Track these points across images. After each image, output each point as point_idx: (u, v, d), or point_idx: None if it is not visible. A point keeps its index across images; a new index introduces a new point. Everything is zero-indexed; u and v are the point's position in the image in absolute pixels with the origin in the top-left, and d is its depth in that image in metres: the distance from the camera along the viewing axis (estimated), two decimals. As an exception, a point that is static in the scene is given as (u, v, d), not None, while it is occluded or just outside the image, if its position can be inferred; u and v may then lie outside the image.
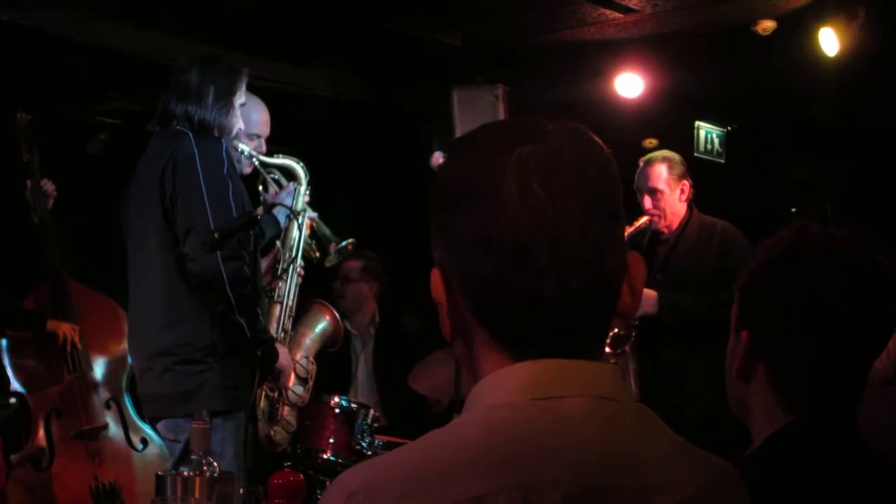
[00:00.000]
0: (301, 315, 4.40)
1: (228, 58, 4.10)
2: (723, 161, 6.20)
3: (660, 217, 4.72)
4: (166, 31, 5.16)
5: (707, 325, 4.21)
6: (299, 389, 4.25)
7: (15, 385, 4.35)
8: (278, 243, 4.17)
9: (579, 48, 5.65)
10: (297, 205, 4.12)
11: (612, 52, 5.67)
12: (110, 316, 4.58)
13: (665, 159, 4.75)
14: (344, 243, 4.35)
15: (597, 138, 1.18)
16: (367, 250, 5.66)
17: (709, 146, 6.15)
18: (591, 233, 1.11)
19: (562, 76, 5.83)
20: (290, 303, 4.17)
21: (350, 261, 5.54)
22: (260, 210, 3.57)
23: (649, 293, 4.48)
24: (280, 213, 4.06)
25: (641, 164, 4.77)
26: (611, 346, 4.44)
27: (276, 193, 4.16)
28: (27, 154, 4.38)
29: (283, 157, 4.15)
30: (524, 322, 1.12)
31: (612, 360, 4.34)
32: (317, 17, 5.20)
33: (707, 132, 6.15)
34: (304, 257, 4.23)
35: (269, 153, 4.13)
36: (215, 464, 2.33)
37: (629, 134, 5.70)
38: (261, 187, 4.22)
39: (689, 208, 4.77)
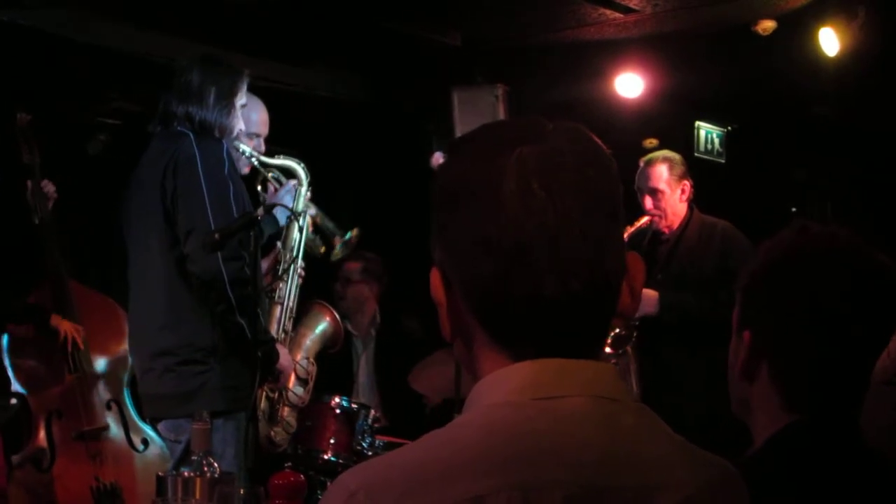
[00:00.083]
0: (301, 316, 4.40)
1: (229, 58, 4.10)
2: (723, 161, 6.20)
3: (660, 217, 4.72)
4: (166, 31, 5.16)
5: (708, 325, 4.22)
6: (300, 390, 4.25)
7: (15, 386, 4.34)
8: (279, 244, 4.17)
9: (579, 48, 5.65)
10: (297, 206, 4.12)
11: (613, 53, 5.67)
12: (111, 316, 4.58)
13: (666, 159, 4.75)
14: (348, 235, 4.36)
15: (596, 138, 1.18)
16: (366, 251, 5.66)
17: (709, 146, 6.15)
18: (591, 233, 1.11)
19: (562, 76, 5.83)
20: (290, 304, 4.17)
21: (350, 262, 5.54)
22: (260, 211, 3.57)
23: (650, 293, 4.48)
24: (279, 213, 4.06)
25: (642, 164, 4.77)
26: (612, 347, 4.44)
27: (275, 192, 4.15)
28: (27, 154, 4.37)
29: (283, 158, 4.15)
30: (524, 322, 1.12)
31: (613, 361, 4.34)
32: (317, 18, 5.20)
33: (707, 132, 6.15)
34: (309, 253, 4.23)
35: (270, 154, 4.13)
36: (216, 464, 2.34)
37: (629, 134, 5.70)
38: (259, 187, 4.22)
39: (690, 208, 4.77)
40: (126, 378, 4.55)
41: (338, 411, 4.35)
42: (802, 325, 1.60)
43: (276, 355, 3.83)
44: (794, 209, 6.22)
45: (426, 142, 5.98)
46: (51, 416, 4.34)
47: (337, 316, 4.66)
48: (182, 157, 3.65)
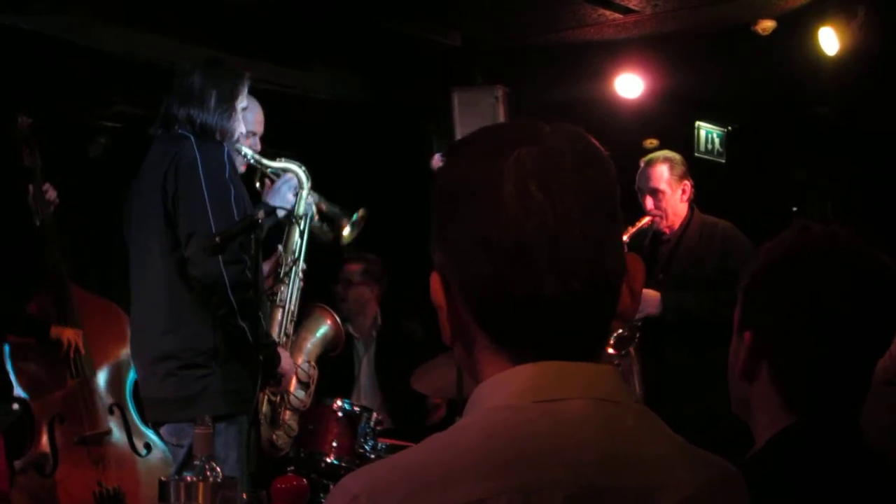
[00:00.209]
0: (302, 319, 4.40)
1: (229, 61, 4.10)
2: (723, 161, 6.20)
3: (661, 217, 4.72)
4: (167, 34, 5.16)
5: (709, 325, 4.22)
6: (301, 394, 4.25)
7: (18, 391, 4.34)
8: (280, 247, 4.17)
9: (579, 49, 5.65)
10: (298, 209, 4.12)
11: (612, 53, 5.67)
12: (113, 320, 4.58)
13: (666, 160, 4.75)
14: (355, 216, 4.35)
15: (594, 140, 1.18)
16: (367, 253, 5.66)
17: (709, 146, 6.15)
18: (590, 233, 1.11)
19: (562, 77, 5.83)
20: (292, 307, 4.17)
21: (351, 264, 5.55)
22: (261, 213, 3.57)
23: (652, 294, 4.48)
24: (274, 199, 4.07)
25: (642, 164, 4.77)
26: (615, 348, 4.44)
27: (271, 185, 4.14)
28: (29, 158, 4.37)
29: (284, 161, 4.15)
30: (524, 323, 1.12)
31: (616, 362, 4.34)
32: (317, 19, 5.21)
33: (707, 132, 6.15)
34: (319, 241, 4.23)
35: (271, 156, 4.13)
36: (218, 469, 2.34)
37: (629, 134, 5.70)
38: (258, 184, 4.21)
39: (691, 208, 4.77)
40: (129, 382, 4.55)
41: (340, 414, 4.35)
42: (803, 326, 1.60)
43: (277, 359, 3.83)
44: (794, 209, 6.22)
45: (426, 143, 5.98)
46: (53, 420, 4.34)
47: (338, 319, 4.66)
48: (183, 161, 3.65)
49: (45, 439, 4.31)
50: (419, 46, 5.59)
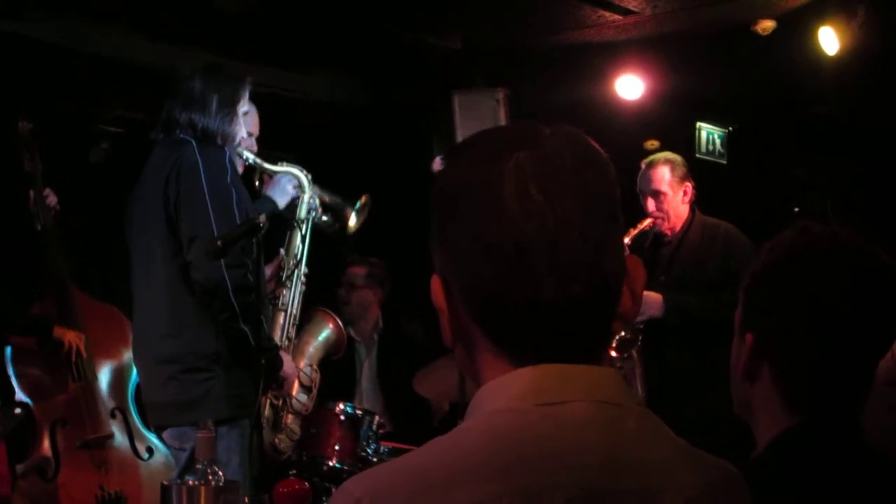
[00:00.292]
0: (304, 323, 4.40)
1: (229, 65, 4.11)
2: (724, 162, 6.19)
3: (663, 219, 4.72)
4: (167, 39, 5.16)
5: (711, 326, 4.21)
6: (303, 397, 4.25)
7: (20, 395, 4.34)
8: (282, 251, 4.18)
9: (579, 50, 5.65)
10: (300, 213, 4.13)
11: (613, 54, 5.67)
12: (114, 324, 4.58)
13: (667, 161, 4.75)
14: (358, 204, 4.35)
15: (593, 142, 1.18)
16: (370, 256, 5.67)
17: (710, 147, 6.15)
18: (590, 235, 1.11)
19: (562, 79, 5.83)
20: (294, 311, 4.17)
21: (355, 267, 5.55)
22: (262, 217, 3.57)
23: (654, 296, 4.48)
24: (274, 192, 4.07)
25: (643, 166, 4.77)
26: (617, 350, 4.44)
27: (269, 181, 4.14)
28: (30, 163, 4.38)
29: (286, 165, 4.15)
30: (525, 326, 1.12)
31: (618, 364, 4.34)
32: (317, 23, 5.21)
33: (708, 133, 6.15)
34: (325, 233, 4.22)
35: (272, 159, 4.13)
36: (220, 473, 2.33)
37: (630, 136, 5.70)
38: (257, 182, 4.21)
39: (692, 210, 4.77)
40: (131, 386, 4.56)
41: (342, 418, 4.35)
42: (804, 326, 1.60)
43: (279, 362, 3.83)
44: (796, 209, 6.21)
45: (427, 146, 5.98)
46: (55, 424, 4.34)
47: (340, 323, 4.67)
48: (185, 165, 3.65)
49: (46, 443, 4.30)
50: (419, 49, 5.59)
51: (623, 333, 4.40)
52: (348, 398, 5.20)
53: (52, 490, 4.27)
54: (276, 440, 4.13)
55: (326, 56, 5.77)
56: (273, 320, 4.07)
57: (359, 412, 4.42)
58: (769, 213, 5.57)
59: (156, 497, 2.44)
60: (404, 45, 5.51)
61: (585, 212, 1.11)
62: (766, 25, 5.09)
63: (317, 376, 4.36)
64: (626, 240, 4.48)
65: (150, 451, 4.51)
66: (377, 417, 4.45)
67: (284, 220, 4.18)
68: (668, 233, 4.76)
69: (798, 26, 5.07)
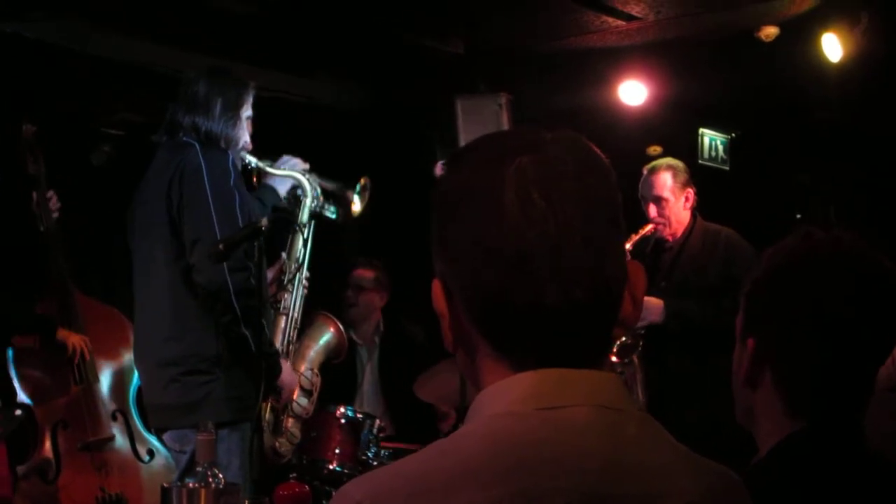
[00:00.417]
0: (305, 327, 4.40)
1: (233, 68, 4.11)
2: (727, 168, 6.19)
3: (664, 225, 4.72)
4: (170, 42, 5.17)
5: (712, 332, 4.21)
6: (304, 401, 4.25)
7: (21, 397, 4.35)
8: (284, 255, 4.18)
9: (582, 56, 5.65)
10: (302, 217, 4.13)
11: (616, 60, 5.67)
12: (116, 326, 4.59)
13: (669, 167, 4.75)
14: (358, 187, 4.35)
15: (595, 147, 1.18)
16: (376, 259, 5.67)
17: (713, 153, 6.14)
18: (592, 240, 1.11)
19: (565, 84, 5.83)
20: (295, 314, 4.17)
21: (363, 270, 5.55)
22: (264, 220, 3.57)
23: (656, 302, 4.48)
24: (276, 182, 4.07)
25: (645, 172, 4.77)
26: (618, 356, 4.43)
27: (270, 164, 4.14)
28: (33, 166, 4.39)
29: (288, 169, 4.15)
30: (526, 331, 1.12)
31: (619, 370, 4.34)
32: (321, 27, 5.21)
33: (711, 139, 6.15)
34: (326, 220, 4.22)
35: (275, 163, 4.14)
36: (221, 475, 2.33)
37: (633, 141, 5.70)
38: (255, 179, 4.20)
39: (693, 216, 4.77)
40: (132, 388, 4.56)
41: (343, 421, 4.35)
42: (806, 331, 1.60)
43: (278, 369, 3.82)
44: (798, 215, 6.21)
45: (429, 150, 5.98)
46: (56, 426, 4.35)
47: (341, 327, 4.66)
48: (188, 168, 3.65)
49: (48, 445, 4.31)
50: (422, 54, 5.59)
51: (624, 339, 4.40)
52: (349, 401, 5.20)
53: (52, 492, 4.27)
54: (277, 444, 4.13)
55: (329, 60, 5.77)
56: (274, 324, 4.07)
57: (359, 416, 4.42)
58: (772, 219, 5.57)
59: (156, 499, 2.44)
60: (407, 50, 5.51)
61: (587, 217, 1.11)
62: (770, 32, 5.08)
63: (317, 380, 4.36)
64: (628, 245, 4.48)
65: (150, 453, 4.51)
66: (378, 421, 4.46)
67: (287, 223, 4.18)
68: (670, 238, 4.76)
69: (801, 33, 5.07)
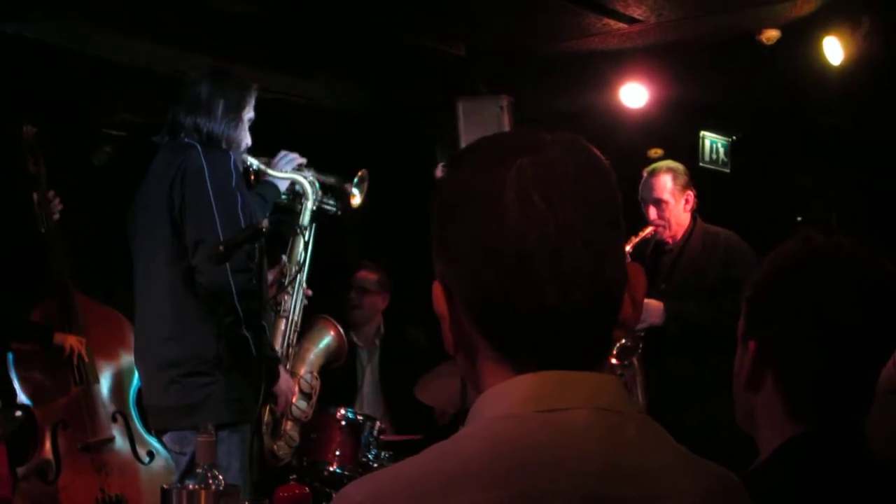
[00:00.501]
0: (305, 330, 4.40)
1: (233, 69, 4.11)
2: (728, 170, 6.19)
3: (664, 227, 4.72)
4: (171, 42, 5.17)
5: (712, 334, 4.22)
6: (303, 404, 4.25)
7: (21, 398, 4.35)
8: (284, 257, 4.17)
9: (584, 58, 5.65)
10: (303, 220, 4.13)
11: (617, 63, 5.67)
12: (117, 328, 4.59)
13: (669, 170, 4.75)
14: (357, 178, 4.35)
15: (595, 149, 1.18)
16: (372, 261, 5.67)
17: (714, 155, 6.14)
18: (592, 242, 1.11)
19: (566, 86, 5.83)
20: (295, 318, 4.17)
21: (367, 272, 5.55)
22: (265, 222, 3.56)
23: (656, 304, 4.48)
24: (277, 180, 4.07)
25: (645, 174, 4.78)
26: (618, 358, 4.44)
27: (270, 162, 4.14)
28: (33, 166, 4.39)
29: (290, 172, 4.15)
30: (526, 333, 1.12)
31: (619, 372, 4.34)
32: (321, 28, 5.21)
33: (712, 141, 6.15)
34: (326, 216, 4.22)
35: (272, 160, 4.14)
36: (221, 477, 2.33)
37: (634, 144, 5.70)
38: (253, 177, 4.21)
39: (693, 218, 4.78)
40: (132, 390, 4.56)
41: (343, 423, 4.35)
42: (807, 334, 1.60)
43: (276, 376, 3.81)
44: (799, 218, 6.21)
45: (430, 152, 5.98)
46: (56, 427, 4.34)
47: (341, 330, 4.66)
48: (190, 169, 3.65)
49: (48, 446, 4.31)
50: (423, 56, 5.59)
51: (624, 341, 4.40)
52: (350, 403, 5.19)
53: (52, 493, 4.27)
54: (275, 447, 4.13)
55: (331, 62, 5.77)
56: (274, 326, 4.06)
57: (360, 417, 4.42)
58: (773, 222, 5.57)
59: (156, 501, 2.44)
60: (408, 51, 5.51)
61: (587, 219, 1.11)
62: (771, 35, 5.09)
63: (317, 383, 4.36)
64: (628, 248, 4.48)
65: (150, 454, 4.51)
66: (378, 423, 4.45)
67: (288, 226, 4.18)
68: (670, 241, 4.76)
69: (802, 36, 5.07)
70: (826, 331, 1.59)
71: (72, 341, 4.36)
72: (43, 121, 4.49)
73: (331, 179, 4.30)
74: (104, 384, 4.51)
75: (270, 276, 4.10)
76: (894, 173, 5.79)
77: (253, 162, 4.00)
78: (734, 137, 6.24)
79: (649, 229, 4.72)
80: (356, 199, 4.35)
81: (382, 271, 5.62)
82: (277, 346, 4.04)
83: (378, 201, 4.82)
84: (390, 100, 6.28)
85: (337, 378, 4.90)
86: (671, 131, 5.96)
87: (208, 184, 3.62)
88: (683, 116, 5.97)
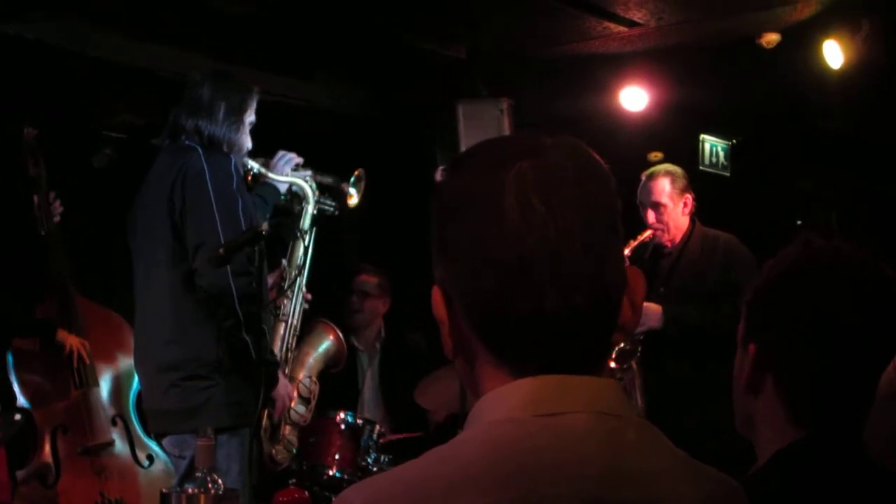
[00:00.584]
0: (305, 334, 4.39)
1: (233, 71, 4.11)
2: (728, 174, 6.19)
3: (663, 231, 4.73)
4: (171, 44, 5.17)
5: (711, 337, 4.22)
6: (302, 409, 4.24)
7: (21, 401, 4.34)
8: (284, 261, 4.17)
9: (584, 62, 5.66)
10: (304, 223, 4.13)
11: (617, 66, 5.67)
12: (116, 331, 4.58)
13: (667, 173, 4.75)
14: (353, 178, 4.35)
15: (594, 153, 1.18)
16: (372, 264, 5.67)
17: (714, 159, 6.14)
18: (592, 246, 1.11)
19: (567, 90, 5.83)
20: (295, 321, 4.17)
21: (367, 276, 5.55)
22: (265, 224, 3.56)
23: (654, 307, 4.48)
24: (277, 182, 4.07)
25: (644, 178, 4.78)
26: (617, 362, 4.43)
27: (268, 163, 4.13)
28: (34, 168, 4.39)
29: (291, 175, 4.15)
30: (526, 337, 1.12)
31: (618, 376, 4.34)
32: (321, 30, 5.21)
33: (712, 145, 6.15)
34: (324, 216, 4.22)
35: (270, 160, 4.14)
36: (220, 481, 2.33)
37: (634, 147, 5.70)
38: (249, 178, 4.20)
39: (692, 222, 4.78)
40: (132, 393, 4.55)
41: (343, 427, 4.34)
42: (806, 338, 1.60)
43: (275, 381, 3.81)
44: (799, 222, 6.21)
45: (430, 155, 5.98)
46: (56, 431, 4.34)
47: (340, 335, 4.66)
48: (191, 172, 3.65)
49: (47, 449, 4.30)
50: (424, 58, 5.59)
51: (622, 344, 4.40)
52: (350, 407, 5.19)
53: (52, 496, 4.27)
54: (274, 451, 4.13)
55: (331, 64, 5.77)
56: (274, 330, 4.06)
57: (359, 421, 4.42)
58: (773, 226, 5.57)
59: (156, 505, 2.44)
60: (409, 54, 5.52)
61: (587, 223, 1.11)
62: (771, 38, 5.09)
63: (316, 388, 4.36)
64: (626, 251, 4.48)
65: (150, 458, 4.51)
66: (378, 427, 4.45)
67: (288, 230, 4.18)
68: (668, 244, 4.76)
69: (802, 39, 5.07)
70: (826, 335, 1.59)
71: (73, 341, 4.35)
72: (43, 122, 4.49)
73: (328, 179, 4.29)
74: (104, 387, 4.51)
75: (270, 280, 4.10)
76: (894, 177, 5.79)
77: (254, 165, 4.00)
78: (734, 141, 6.24)
79: (648, 233, 4.73)
80: (353, 199, 4.35)
81: (383, 275, 5.62)
82: (276, 350, 4.04)
83: (378, 204, 4.83)
84: (391, 102, 6.28)
85: (338, 382, 4.90)
86: (671, 135, 5.96)
87: (209, 186, 3.62)
88: (683, 120, 5.97)
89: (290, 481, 4.18)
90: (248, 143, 3.89)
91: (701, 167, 5.99)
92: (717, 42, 5.33)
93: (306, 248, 4.12)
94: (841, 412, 1.61)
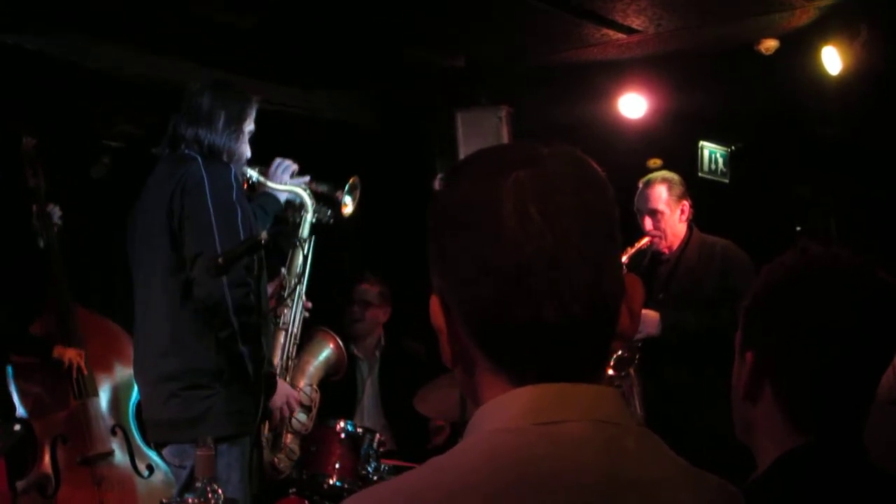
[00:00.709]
0: (305, 343, 4.39)
1: (233, 81, 4.11)
2: (727, 181, 6.19)
3: (661, 238, 4.73)
4: (170, 54, 5.17)
5: (708, 344, 4.22)
6: (303, 417, 4.24)
7: (21, 411, 4.34)
8: (283, 270, 4.17)
9: (582, 69, 5.66)
10: (303, 232, 4.12)
11: (616, 73, 5.67)
12: (115, 340, 4.58)
13: (664, 180, 4.76)
14: (347, 186, 4.35)
15: (592, 161, 1.18)
16: (371, 273, 5.66)
17: (713, 166, 6.14)
18: (589, 256, 1.11)
19: (565, 97, 5.83)
20: (295, 330, 4.17)
21: (368, 285, 5.55)
22: (264, 234, 3.55)
23: (652, 314, 4.48)
24: (276, 192, 4.07)
25: (641, 185, 4.78)
26: (615, 369, 4.43)
27: (265, 171, 4.13)
28: (33, 178, 4.39)
29: (289, 184, 4.15)
30: (524, 346, 1.12)
31: (616, 383, 4.33)
32: (321, 41, 5.22)
33: (711, 152, 6.15)
34: (320, 223, 4.22)
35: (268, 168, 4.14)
36: (220, 491, 2.33)
37: (633, 154, 5.70)
38: (246, 185, 4.20)
39: (689, 228, 4.78)
40: (131, 403, 4.55)
41: (343, 436, 4.34)
42: (805, 345, 1.60)
43: (272, 390, 3.80)
44: (798, 228, 6.21)
45: (430, 163, 5.99)
46: (55, 441, 4.34)
47: (340, 343, 4.66)
48: (190, 181, 3.64)
49: (47, 460, 4.30)
50: (423, 67, 5.60)
51: (620, 352, 4.40)
52: (349, 415, 5.18)
53: (51, 507, 4.26)
54: (276, 460, 4.12)
55: (330, 73, 5.77)
56: (274, 338, 4.06)
57: (359, 430, 4.41)
58: (772, 232, 5.57)
59: (155, 514, 2.44)
60: (408, 63, 5.52)
61: (585, 232, 1.11)
62: (770, 45, 5.09)
63: (317, 396, 4.35)
64: (624, 258, 4.47)
65: (150, 468, 4.50)
66: (378, 435, 4.44)
67: (287, 239, 4.17)
68: (666, 251, 4.77)
69: (801, 46, 5.08)
70: (824, 341, 1.60)
71: (71, 354, 4.35)
72: (42, 132, 4.49)
73: (323, 188, 4.29)
74: (103, 397, 4.51)
75: (270, 289, 4.10)
76: (893, 183, 5.79)
77: (252, 174, 4.00)
78: (733, 147, 6.23)
79: (645, 240, 4.73)
80: (348, 208, 4.34)
81: (384, 283, 5.62)
82: (277, 359, 4.03)
83: (377, 212, 4.82)
84: (390, 111, 6.29)
85: (337, 390, 4.89)
86: (670, 142, 5.96)
87: (208, 196, 3.61)
88: (682, 127, 5.97)
89: (291, 490, 4.18)
90: (247, 153, 3.89)
91: (700, 174, 5.99)
92: (716, 49, 5.33)
93: (305, 257, 4.12)
94: (840, 418, 1.61)
